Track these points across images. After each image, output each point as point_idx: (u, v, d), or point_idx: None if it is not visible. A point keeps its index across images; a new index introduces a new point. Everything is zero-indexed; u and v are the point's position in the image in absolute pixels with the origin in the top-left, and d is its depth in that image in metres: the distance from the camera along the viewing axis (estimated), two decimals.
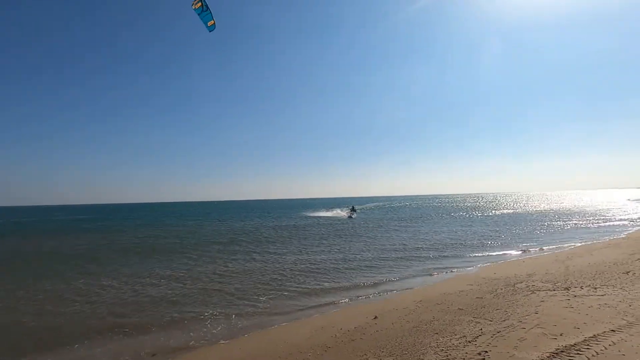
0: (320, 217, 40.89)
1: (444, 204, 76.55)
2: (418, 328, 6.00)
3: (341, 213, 43.31)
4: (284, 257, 14.60)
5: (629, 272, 9.21)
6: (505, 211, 44.88)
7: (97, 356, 5.95)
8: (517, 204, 67.80)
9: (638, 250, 12.82)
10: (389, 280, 10.38)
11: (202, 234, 25.13)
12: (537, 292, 7.71)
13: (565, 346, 4.78)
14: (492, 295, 7.80)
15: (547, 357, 4.52)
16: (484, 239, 18.94)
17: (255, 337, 6.41)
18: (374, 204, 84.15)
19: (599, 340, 4.95)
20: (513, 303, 7.05)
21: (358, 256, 14.42)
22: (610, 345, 4.77)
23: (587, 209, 43.20)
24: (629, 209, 40.49)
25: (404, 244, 17.62)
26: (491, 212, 44.41)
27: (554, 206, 53.62)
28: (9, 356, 6.12)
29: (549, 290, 7.87)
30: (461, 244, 17.45)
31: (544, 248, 15.56)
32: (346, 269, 12.09)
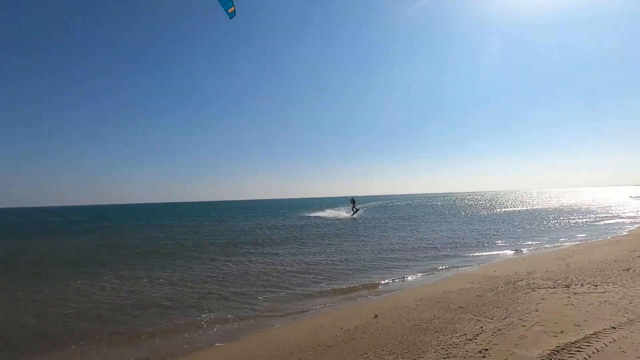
0: (319, 216, 40.89)
1: (443, 203, 76.54)
2: (418, 326, 5.99)
3: (341, 213, 43.28)
4: (282, 257, 14.55)
5: (629, 269, 9.20)
6: (505, 209, 44.89)
7: (93, 359, 5.93)
8: (516, 202, 67.82)
9: (639, 247, 12.81)
10: (388, 279, 10.36)
11: (201, 235, 25.11)
12: (538, 290, 7.70)
13: (566, 343, 4.77)
14: (492, 293, 7.79)
15: (548, 354, 4.51)
16: (484, 238, 18.94)
17: (255, 338, 6.39)
18: (375, 203, 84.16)
19: (599, 337, 4.94)
20: (514, 301, 7.03)
21: (357, 256, 14.41)
22: (610, 342, 4.76)
23: (588, 207, 43.22)
24: (630, 207, 40.49)
25: (404, 243, 17.61)
26: (491, 210, 44.41)
27: (554, 204, 53.65)
28: (8, 356, 6.12)
29: (549, 287, 7.86)
30: (461, 242, 17.45)
31: (544, 246, 15.56)
32: (346, 268, 12.07)
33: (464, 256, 13.69)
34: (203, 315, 7.68)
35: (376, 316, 6.73)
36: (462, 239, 18.67)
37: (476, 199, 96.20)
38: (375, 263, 12.85)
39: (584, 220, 27.20)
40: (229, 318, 7.50)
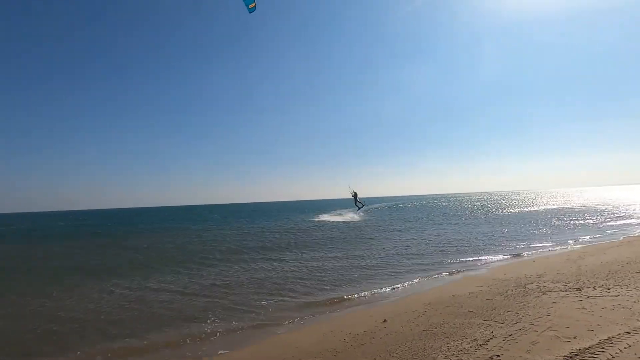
0: (326, 220, 40.85)
1: (450, 204, 75.93)
2: (428, 332, 5.94)
3: (347, 216, 43.18)
4: (288, 263, 14.46)
5: None
6: (512, 210, 44.39)
7: None
8: (523, 202, 67.02)
9: None
10: (396, 283, 10.29)
11: (207, 239, 25.20)
12: (549, 293, 7.59)
13: (580, 349, 4.69)
14: (502, 296, 7.70)
15: None
16: (491, 239, 18.74)
17: (262, 344, 6.39)
18: (380, 204, 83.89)
19: (614, 342, 4.85)
20: (524, 305, 6.94)
21: (364, 259, 14.35)
22: (625, 347, 4.67)
23: (598, 207, 42.52)
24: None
25: (410, 246, 17.50)
26: (498, 211, 43.94)
27: (563, 204, 52.89)
28: (19, 358, 6.24)
29: (560, 291, 7.74)
30: (467, 244, 17.29)
31: (554, 247, 15.34)
32: (353, 272, 12.03)
33: (471, 259, 13.54)
34: (208, 321, 7.67)
35: (385, 321, 6.70)
36: (469, 240, 18.50)
37: (483, 200, 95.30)
38: (382, 266, 12.79)
39: (593, 220, 26.76)
40: (234, 325, 7.45)
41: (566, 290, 7.71)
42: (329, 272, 12.24)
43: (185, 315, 8.27)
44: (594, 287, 7.78)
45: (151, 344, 6.70)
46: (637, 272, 8.92)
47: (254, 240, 23.20)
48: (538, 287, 8.19)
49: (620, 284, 7.96)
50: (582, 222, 26.11)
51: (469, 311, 6.84)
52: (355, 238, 21.96)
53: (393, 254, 15.41)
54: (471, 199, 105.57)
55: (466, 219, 33.10)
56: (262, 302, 8.94)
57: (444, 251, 15.51)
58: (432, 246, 17.13)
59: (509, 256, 13.82)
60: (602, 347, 4.70)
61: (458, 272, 11.36)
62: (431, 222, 32.06)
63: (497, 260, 13.07)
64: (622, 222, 24.75)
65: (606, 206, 42.42)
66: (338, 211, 52.10)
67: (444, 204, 78.73)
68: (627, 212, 32.99)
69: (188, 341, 6.69)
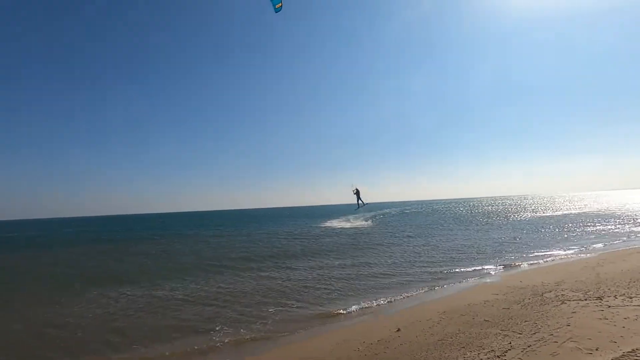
0: (334, 226, 40.72)
1: (459, 209, 74.82)
2: (443, 341, 5.85)
3: (357, 222, 42.97)
4: (298, 271, 14.35)
5: None
6: (524, 215, 43.45)
7: None
8: (536, 207, 65.55)
9: None
10: (407, 291, 10.17)
11: (217, 245, 25.35)
12: (568, 302, 7.38)
13: None
14: (519, 305, 7.52)
15: None
16: (502, 246, 18.35)
17: (276, 353, 6.39)
18: (389, 209, 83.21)
19: (638, 355, 4.68)
20: (542, 314, 6.77)
21: (373, 267, 14.21)
22: None
23: (615, 211, 41.31)
24: None
25: (420, 252, 17.29)
26: (509, 216, 43.07)
27: (578, 209, 51.55)
28: None
29: (580, 300, 7.52)
30: (479, 251, 16.97)
31: (570, 254, 14.94)
32: (362, 281, 11.92)
33: (484, 266, 13.27)
34: (215, 330, 7.64)
35: (398, 330, 6.62)
36: (480, 247, 18.16)
37: (494, 204, 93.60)
38: (394, 273, 12.66)
39: (611, 226, 25.98)
40: (242, 334, 7.37)
41: (586, 300, 7.48)
42: (338, 280, 12.11)
43: (193, 324, 8.18)
44: (615, 296, 7.54)
45: (157, 355, 6.64)
46: None
47: (263, 246, 23.23)
48: (556, 296, 7.98)
49: None
50: (598, 227, 25.38)
51: (485, 320, 6.71)
52: (364, 244, 21.77)
53: (402, 261, 15.23)
54: (482, 204, 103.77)
55: (477, 225, 32.55)
56: (270, 311, 8.87)
57: (455, 258, 15.27)
58: (442, 253, 16.88)
59: (523, 263, 13.50)
60: None
61: (470, 279, 11.16)
62: (441, 227, 31.64)
63: (511, 268, 12.79)
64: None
65: (624, 211, 41.15)
66: (346, 217, 51.92)
67: (454, 209, 77.61)
68: None
69: (195, 351, 6.64)
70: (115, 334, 7.83)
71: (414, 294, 9.86)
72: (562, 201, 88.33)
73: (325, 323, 7.89)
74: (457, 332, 6.23)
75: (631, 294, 7.60)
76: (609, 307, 6.83)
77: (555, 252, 15.55)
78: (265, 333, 7.42)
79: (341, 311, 8.57)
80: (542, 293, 8.34)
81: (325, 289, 10.95)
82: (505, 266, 13.03)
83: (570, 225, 27.91)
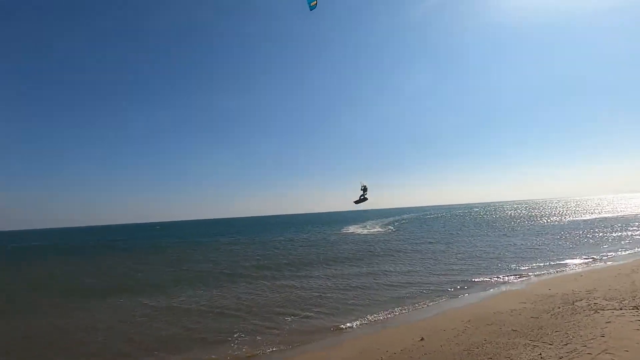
0: (352, 231, 40.50)
1: (479, 214, 72.56)
2: (469, 351, 5.71)
3: (374, 228, 42.56)
4: (315, 279, 14.16)
5: None
6: (548, 220, 41.69)
7: None
8: (561, 211, 62.73)
9: None
10: (432, 298, 9.99)
11: (234, 253, 25.65)
12: (601, 312, 7.04)
13: None
14: (549, 314, 7.25)
15: None
16: (526, 252, 17.71)
17: None
18: (408, 215, 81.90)
19: None
20: (574, 324, 6.49)
21: (392, 275, 13.95)
22: None
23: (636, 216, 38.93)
24: None
25: (440, 259, 16.95)
26: (532, 221, 41.45)
27: (606, 214, 48.96)
28: None
29: (614, 309, 7.16)
30: (501, 257, 16.45)
31: (599, 260, 14.23)
32: (383, 287, 11.81)
33: (507, 273, 12.81)
34: (234, 337, 7.72)
35: (422, 339, 6.52)
36: (502, 254, 17.56)
37: (516, 208, 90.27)
38: (414, 281, 12.43)
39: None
40: (260, 343, 7.38)
41: (621, 309, 7.12)
42: (354, 289, 11.92)
43: (211, 334, 8.23)
44: None
45: None
46: None
47: (281, 254, 23.28)
48: (588, 305, 7.63)
49: None
50: (629, 232, 24.00)
51: (513, 330, 6.51)
52: (383, 251, 21.43)
53: (421, 268, 14.92)
54: (504, 209, 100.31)
55: (499, 230, 31.53)
56: (287, 319, 8.82)
57: (476, 265, 14.86)
58: (463, 259, 16.45)
59: (550, 270, 12.96)
60: None
61: (495, 287, 10.83)
62: (462, 233, 30.82)
63: (538, 275, 12.31)
64: None
65: None
66: (363, 223, 51.51)
67: (476, 214, 75.39)
68: None
69: (213, 357, 6.75)
70: (132, 344, 7.99)
71: (436, 302, 9.66)
72: (591, 205, 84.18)
73: (342, 333, 7.80)
74: (484, 342, 6.07)
75: None
76: None
77: (583, 259, 14.84)
78: (282, 344, 7.36)
79: (359, 321, 8.42)
80: (573, 302, 7.99)
81: (342, 298, 10.77)
82: (530, 273, 12.55)
83: (598, 229, 26.56)
